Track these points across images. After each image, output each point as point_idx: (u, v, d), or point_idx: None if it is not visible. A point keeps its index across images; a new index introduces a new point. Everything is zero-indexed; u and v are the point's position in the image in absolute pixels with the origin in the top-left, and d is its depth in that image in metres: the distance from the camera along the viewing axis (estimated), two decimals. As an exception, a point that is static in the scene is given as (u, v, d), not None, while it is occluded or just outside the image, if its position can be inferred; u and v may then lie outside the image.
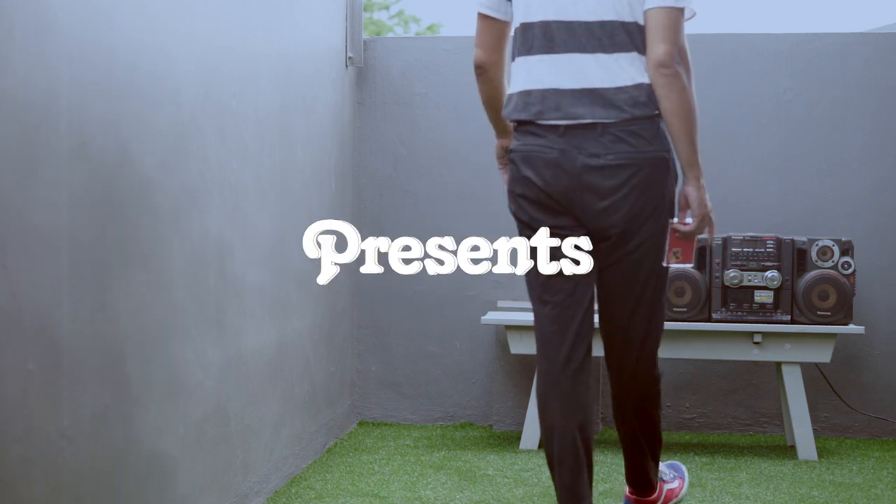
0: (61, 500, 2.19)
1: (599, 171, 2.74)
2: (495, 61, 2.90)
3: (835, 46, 4.58)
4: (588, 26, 2.75)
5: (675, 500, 3.26)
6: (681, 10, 2.73)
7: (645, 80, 2.75)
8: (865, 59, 4.57)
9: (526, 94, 2.80)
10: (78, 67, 2.25)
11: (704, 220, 2.79)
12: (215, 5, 3.00)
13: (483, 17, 2.87)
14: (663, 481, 3.26)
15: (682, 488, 3.29)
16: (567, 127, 2.75)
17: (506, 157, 2.97)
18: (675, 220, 2.83)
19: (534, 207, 2.81)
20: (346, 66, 4.50)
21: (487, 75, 2.91)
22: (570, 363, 2.82)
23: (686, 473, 3.35)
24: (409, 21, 20.57)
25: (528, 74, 2.81)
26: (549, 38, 2.78)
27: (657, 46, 2.71)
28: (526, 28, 2.81)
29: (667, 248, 2.81)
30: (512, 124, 2.90)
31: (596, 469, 3.86)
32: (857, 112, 4.57)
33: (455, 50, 4.71)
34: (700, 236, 2.96)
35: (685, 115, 2.73)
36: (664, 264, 2.84)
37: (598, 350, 4.18)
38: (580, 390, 2.83)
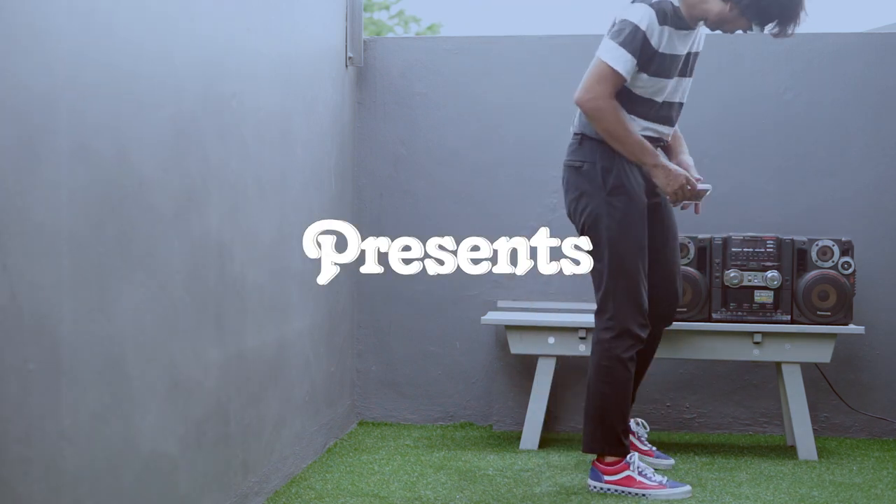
0: (61, 500, 2.19)
1: None
2: None
3: (834, 46, 4.58)
4: None
5: (635, 491, 3.48)
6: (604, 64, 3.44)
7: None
8: (865, 59, 4.57)
9: None
10: (77, 68, 2.25)
11: (677, 195, 3.55)
12: (215, 5, 3.00)
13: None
14: (638, 471, 3.51)
15: (658, 490, 3.48)
16: None
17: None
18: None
19: None
20: (346, 66, 4.50)
21: None
22: None
23: (679, 489, 3.53)
24: (409, 21, 20.59)
25: None
26: None
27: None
28: None
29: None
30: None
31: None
32: (857, 112, 4.57)
33: (455, 50, 4.71)
34: (694, 199, 3.63)
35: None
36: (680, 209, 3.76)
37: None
38: None
